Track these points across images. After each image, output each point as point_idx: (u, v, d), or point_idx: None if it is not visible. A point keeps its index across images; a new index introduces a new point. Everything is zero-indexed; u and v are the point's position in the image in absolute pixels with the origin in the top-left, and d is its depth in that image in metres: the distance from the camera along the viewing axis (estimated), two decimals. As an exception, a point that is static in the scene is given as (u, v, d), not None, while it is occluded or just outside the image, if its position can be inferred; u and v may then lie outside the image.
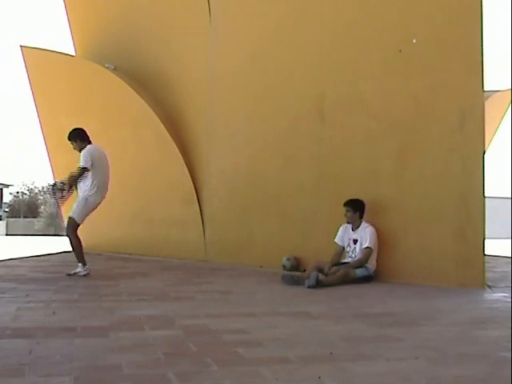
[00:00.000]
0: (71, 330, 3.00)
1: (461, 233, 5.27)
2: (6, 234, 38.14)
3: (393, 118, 5.87)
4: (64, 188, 5.81)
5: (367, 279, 5.49)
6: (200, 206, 8.27)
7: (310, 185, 6.70)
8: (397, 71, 5.85)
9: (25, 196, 56.52)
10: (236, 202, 7.70)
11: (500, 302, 4.49)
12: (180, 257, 8.25)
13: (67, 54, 10.00)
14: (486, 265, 5.21)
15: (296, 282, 5.19)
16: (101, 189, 5.92)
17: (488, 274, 5.33)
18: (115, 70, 9.25)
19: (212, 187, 8.09)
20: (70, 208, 6.00)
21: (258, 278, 6.05)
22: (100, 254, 8.80)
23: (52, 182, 5.87)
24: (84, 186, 5.86)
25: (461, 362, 2.42)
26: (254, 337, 2.91)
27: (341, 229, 5.88)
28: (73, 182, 5.85)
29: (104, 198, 5.99)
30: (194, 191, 8.33)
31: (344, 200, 5.79)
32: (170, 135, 8.54)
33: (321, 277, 5.14)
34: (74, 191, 5.96)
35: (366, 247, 5.58)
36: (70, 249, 5.97)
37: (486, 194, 5.16)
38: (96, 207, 5.97)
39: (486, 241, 5.14)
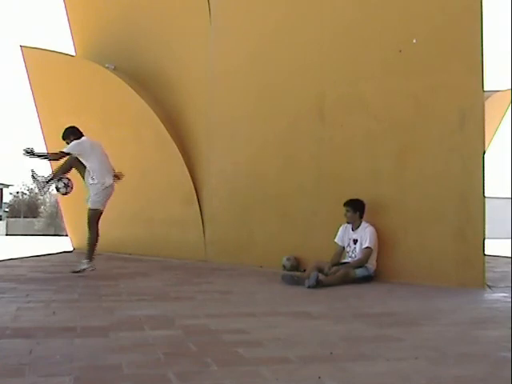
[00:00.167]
0: (71, 329, 3.00)
1: (461, 233, 5.27)
2: (6, 234, 38.14)
3: (393, 118, 5.87)
4: (46, 179, 5.90)
5: (367, 279, 5.49)
6: (200, 206, 8.27)
7: (310, 185, 6.70)
8: (397, 71, 5.85)
9: (25, 196, 56.51)
10: (236, 202, 7.70)
11: (500, 302, 4.49)
12: (180, 257, 8.25)
13: (67, 54, 10.00)
14: (486, 265, 5.20)
15: (296, 281, 5.19)
16: (104, 173, 5.97)
17: (488, 274, 5.33)
18: (115, 69, 9.25)
19: (212, 187, 8.09)
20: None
21: (258, 278, 6.05)
22: (100, 254, 8.79)
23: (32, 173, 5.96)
24: (90, 180, 5.93)
25: (461, 362, 2.42)
26: (254, 337, 2.91)
27: (341, 229, 5.88)
28: (47, 155, 6.10)
29: (112, 182, 6.05)
30: (193, 191, 8.33)
31: (344, 200, 5.79)
32: (170, 135, 8.54)
33: (321, 277, 5.14)
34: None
35: (366, 247, 5.58)
36: (86, 241, 6.01)
37: (485, 194, 5.17)
38: (111, 192, 6.03)
39: (486, 241, 5.13)
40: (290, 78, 6.98)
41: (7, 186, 51.53)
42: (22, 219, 47.06)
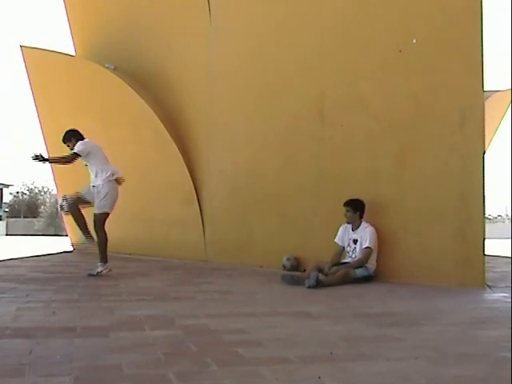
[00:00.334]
0: (71, 329, 3.00)
1: (461, 233, 5.27)
2: (6, 234, 38.15)
3: (393, 118, 5.87)
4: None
5: (367, 279, 5.49)
6: (200, 206, 8.27)
7: (310, 185, 6.70)
8: (397, 71, 5.85)
9: (25, 196, 56.54)
10: (236, 202, 7.70)
11: (500, 302, 4.49)
12: (180, 257, 8.25)
13: (67, 54, 10.00)
14: (486, 265, 5.20)
15: (296, 281, 5.19)
16: (109, 168, 5.99)
17: (488, 274, 5.32)
18: (115, 69, 9.25)
19: (212, 187, 8.09)
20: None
21: (258, 278, 6.05)
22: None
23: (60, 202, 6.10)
24: (96, 181, 5.94)
25: (461, 362, 2.42)
26: (254, 337, 2.91)
27: (341, 229, 5.88)
28: (59, 160, 6.07)
29: (119, 182, 6.07)
30: (194, 191, 8.33)
31: (344, 200, 5.79)
32: (170, 135, 8.54)
33: (321, 277, 5.14)
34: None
35: (366, 247, 5.58)
36: (96, 246, 5.99)
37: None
38: (117, 193, 6.04)
39: (486, 241, 5.13)
40: (289, 78, 6.98)
41: (7, 185, 51.54)
42: (21, 219, 47.09)
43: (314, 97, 6.65)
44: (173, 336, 2.92)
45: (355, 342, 2.80)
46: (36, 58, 9.98)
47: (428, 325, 3.36)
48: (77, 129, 6.18)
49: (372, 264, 5.61)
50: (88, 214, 6.05)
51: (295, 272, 6.10)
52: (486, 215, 8.33)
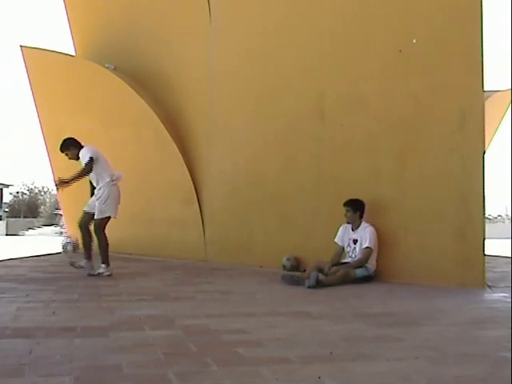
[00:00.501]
0: (71, 329, 3.00)
1: (461, 233, 5.27)
2: (6, 234, 38.14)
3: (393, 118, 5.87)
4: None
5: (367, 279, 5.49)
6: (200, 206, 8.27)
7: (310, 185, 6.70)
8: (397, 71, 5.85)
9: (25, 196, 56.54)
10: (236, 202, 7.70)
11: (500, 302, 4.49)
12: (180, 257, 8.25)
13: (67, 54, 10.00)
14: (486, 265, 5.20)
15: (296, 282, 5.19)
16: (112, 171, 5.99)
17: (488, 274, 5.32)
18: (115, 69, 9.25)
19: (212, 187, 8.09)
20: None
21: (258, 277, 6.05)
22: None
23: (64, 243, 6.06)
24: (98, 186, 5.93)
25: (461, 362, 2.42)
26: (254, 337, 2.91)
27: (341, 229, 5.88)
28: (78, 176, 5.90)
29: (121, 176, 6.06)
30: (193, 191, 8.33)
31: (344, 200, 5.79)
32: (170, 135, 8.54)
33: (321, 277, 5.14)
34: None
35: (366, 247, 5.58)
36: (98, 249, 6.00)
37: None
38: (120, 196, 6.02)
39: (486, 241, 5.13)
40: (290, 78, 6.98)
41: (7, 185, 51.54)
42: (21, 219, 47.09)
43: (314, 97, 6.65)
44: (173, 336, 2.92)
45: (355, 342, 2.80)
46: (36, 58, 9.98)
47: (428, 325, 3.36)
48: (74, 137, 6.11)
49: (372, 264, 5.61)
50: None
51: (295, 272, 6.10)
52: (486, 215, 8.36)
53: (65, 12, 10.58)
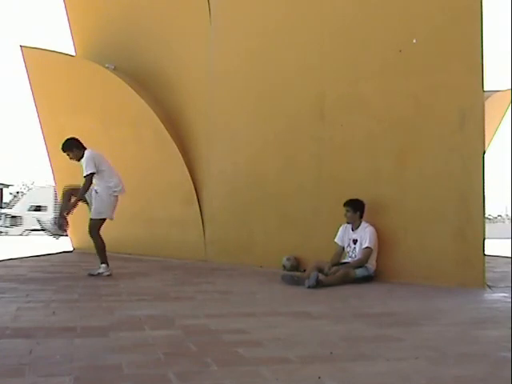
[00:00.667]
0: (71, 329, 3.00)
1: (461, 233, 5.27)
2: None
3: (393, 118, 5.87)
4: (64, 214, 5.93)
5: (367, 279, 5.49)
6: (200, 206, 8.27)
7: (310, 185, 6.70)
8: (397, 71, 5.85)
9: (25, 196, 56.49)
10: (236, 202, 7.70)
11: (500, 302, 4.49)
12: (180, 257, 8.25)
13: (67, 54, 9.99)
14: (486, 265, 5.20)
15: (296, 282, 5.19)
16: (116, 183, 5.98)
17: (488, 274, 5.32)
18: (115, 69, 9.25)
19: (212, 187, 8.09)
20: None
21: (258, 277, 6.05)
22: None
23: (52, 217, 6.03)
24: (98, 187, 5.91)
25: (461, 362, 2.42)
26: (254, 337, 2.91)
27: (341, 229, 5.88)
28: (84, 192, 5.86)
29: (123, 191, 6.06)
30: (193, 191, 8.33)
31: (344, 200, 5.79)
32: (170, 135, 8.54)
33: (321, 277, 5.14)
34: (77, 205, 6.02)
35: (366, 247, 5.58)
36: (95, 249, 6.01)
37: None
38: (117, 200, 6.02)
39: (486, 241, 5.13)
40: (289, 78, 6.98)
41: (7, 185, 51.51)
42: (21, 219, 46.99)
43: (314, 97, 6.65)
44: (173, 336, 2.92)
45: (355, 342, 2.80)
46: (36, 58, 9.97)
47: (428, 325, 3.36)
48: (76, 137, 6.09)
49: (372, 264, 5.61)
50: (83, 214, 6.04)
51: (295, 272, 6.10)
52: (486, 215, 8.36)
53: (65, 12, 10.57)
